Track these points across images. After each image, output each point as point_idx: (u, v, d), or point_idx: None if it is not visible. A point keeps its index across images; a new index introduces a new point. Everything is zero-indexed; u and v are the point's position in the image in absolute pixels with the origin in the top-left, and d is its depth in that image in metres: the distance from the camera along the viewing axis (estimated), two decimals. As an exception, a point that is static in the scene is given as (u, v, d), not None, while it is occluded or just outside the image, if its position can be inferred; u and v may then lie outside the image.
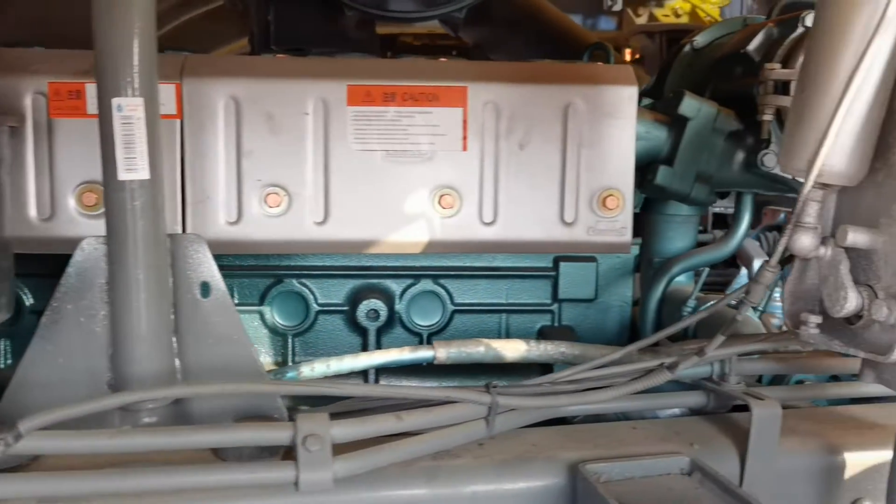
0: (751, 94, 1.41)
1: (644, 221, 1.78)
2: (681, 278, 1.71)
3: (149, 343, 1.07)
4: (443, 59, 1.41)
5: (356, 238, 1.34)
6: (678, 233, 1.71)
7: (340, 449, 0.98)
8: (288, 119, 1.29)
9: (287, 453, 1.01)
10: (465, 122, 1.33)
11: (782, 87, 1.35)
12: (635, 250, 1.71)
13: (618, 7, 2.77)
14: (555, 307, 1.72)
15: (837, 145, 0.93)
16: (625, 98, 1.35)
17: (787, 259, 1.10)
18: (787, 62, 1.37)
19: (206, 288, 1.12)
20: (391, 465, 1.06)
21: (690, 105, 1.39)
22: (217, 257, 1.63)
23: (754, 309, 1.76)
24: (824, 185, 0.99)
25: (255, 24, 2.37)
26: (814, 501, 1.22)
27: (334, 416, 0.98)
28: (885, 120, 0.95)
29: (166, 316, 1.09)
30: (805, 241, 1.00)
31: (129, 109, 1.01)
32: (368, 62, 1.36)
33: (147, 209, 1.04)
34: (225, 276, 1.64)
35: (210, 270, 1.12)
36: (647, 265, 1.75)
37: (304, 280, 1.66)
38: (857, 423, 1.31)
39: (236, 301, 1.65)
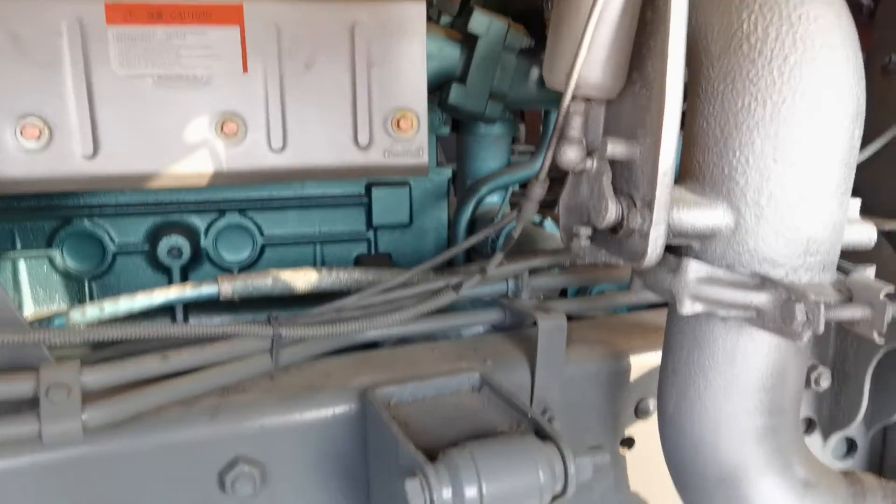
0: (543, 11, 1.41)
1: (457, 143, 1.77)
2: (494, 197, 1.73)
3: None
4: (219, -26, 1.30)
5: (133, 172, 1.25)
6: (490, 153, 1.72)
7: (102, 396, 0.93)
8: (38, 41, 1.16)
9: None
10: (243, 42, 1.25)
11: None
12: (448, 172, 1.70)
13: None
14: (370, 234, 1.70)
15: (591, 57, 0.93)
16: (413, 15, 1.30)
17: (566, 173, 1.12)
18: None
19: (-57, 235, 1.01)
20: (172, 405, 1.02)
21: (480, 21, 1.36)
22: (-8, 199, 1.51)
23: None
24: (586, 98, 0.99)
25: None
26: (602, 404, 1.28)
27: (88, 362, 0.92)
28: (638, 31, 0.96)
29: None
30: (570, 155, 1.00)
31: None
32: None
33: None
34: (4, 220, 1.52)
35: (-53, 215, 1.01)
36: (463, 186, 1.76)
37: (96, 219, 1.55)
38: (643, 328, 1.37)
39: (19, 246, 1.52)
